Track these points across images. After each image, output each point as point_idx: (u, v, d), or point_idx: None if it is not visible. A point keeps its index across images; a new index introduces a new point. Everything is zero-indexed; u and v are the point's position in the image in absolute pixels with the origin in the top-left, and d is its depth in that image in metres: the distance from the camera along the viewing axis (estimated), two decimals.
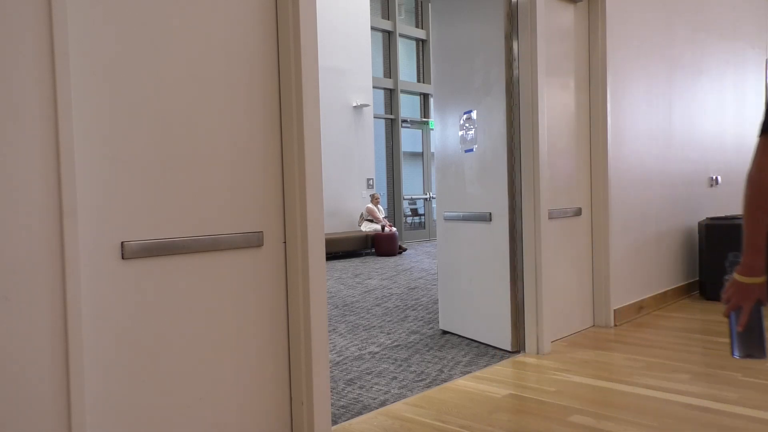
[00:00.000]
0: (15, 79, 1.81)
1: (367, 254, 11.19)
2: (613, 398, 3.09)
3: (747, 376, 3.38)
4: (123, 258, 2.07)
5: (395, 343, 4.33)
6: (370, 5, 12.62)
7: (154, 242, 2.14)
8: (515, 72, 3.99)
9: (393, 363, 3.83)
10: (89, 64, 1.99)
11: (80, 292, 1.93)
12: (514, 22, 3.97)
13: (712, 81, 6.19)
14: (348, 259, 10.41)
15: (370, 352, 4.11)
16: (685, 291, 5.77)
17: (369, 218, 11.53)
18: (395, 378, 3.51)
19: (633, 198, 4.97)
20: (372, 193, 12.16)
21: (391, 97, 13.67)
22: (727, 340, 4.17)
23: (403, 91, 13.87)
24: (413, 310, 5.60)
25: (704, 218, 5.89)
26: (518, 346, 4.01)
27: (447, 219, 4.53)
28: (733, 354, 1.49)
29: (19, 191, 1.82)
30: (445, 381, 3.43)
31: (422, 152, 14.68)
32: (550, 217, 4.12)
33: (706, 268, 5.63)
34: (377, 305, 5.88)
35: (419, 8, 14.52)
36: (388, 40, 13.66)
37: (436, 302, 5.81)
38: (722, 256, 5.60)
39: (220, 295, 2.35)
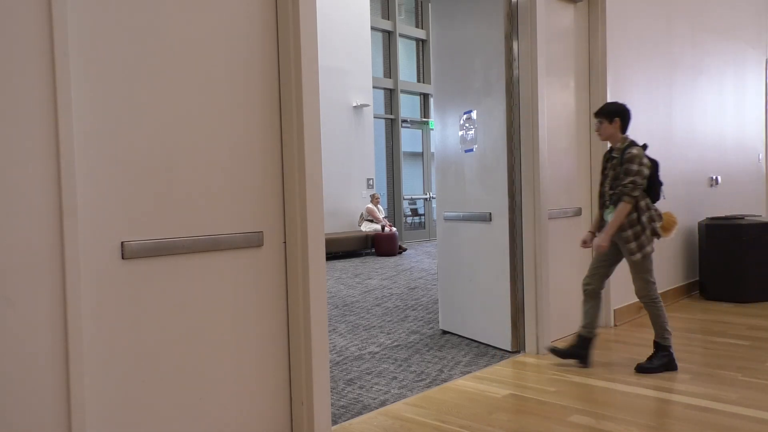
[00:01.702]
0: (15, 79, 1.81)
1: (367, 254, 11.19)
2: (613, 398, 3.09)
3: (747, 376, 3.38)
4: (123, 258, 2.06)
5: (395, 343, 4.33)
6: (370, 5, 12.62)
7: (154, 242, 2.14)
8: (515, 72, 3.99)
9: (393, 363, 3.82)
10: (89, 64, 1.99)
11: (80, 292, 1.93)
12: (514, 22, 3.97)
13: (712, 81, 6.19)
14: (348, 259, 10.40)
15: (370, 352, 4.11)
16: (685, 291, 5.77)
17: (369, 218, 11.52)
18: (395, 378, 3.51)
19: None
20: (372, 193, 12.15)
21: (391, 97, 13.66)
22: (726, 340, 4.17)
23: (403, 91, 13.87)
24: (413, 310, 5.60)
25: (704, 218, 5.89)
26: (518, 346, 4.01)
27: (447, 219, 4.53)
28: None
29: (19, 191, 1.82)
30: (445, 381, 3.43)
31: (422, 152, 14.67)
32: (550, 217, 4.12)
33: (706, 268, 5.63)
34: (377, 305, 5.88)
35: (419, 8, 14.52)
36: (388, 40, 13.66)
37: (436, 302, 5.81)
38: (722, 256, 5.44)
39: (220, 295, 2.35)
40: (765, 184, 7.62)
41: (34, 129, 1.84)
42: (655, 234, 3.50)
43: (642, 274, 3.54)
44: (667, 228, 3.56)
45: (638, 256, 3.46)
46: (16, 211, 1.81)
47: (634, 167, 3.42)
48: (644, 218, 3.47)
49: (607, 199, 3.58)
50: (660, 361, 3.53)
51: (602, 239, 3.48)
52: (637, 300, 4.93)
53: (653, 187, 3.52)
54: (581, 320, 3.68)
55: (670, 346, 3.57)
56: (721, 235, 5.48)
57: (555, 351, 3.67)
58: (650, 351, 3.92)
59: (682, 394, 3.11)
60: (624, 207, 3.43)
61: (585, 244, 3.72)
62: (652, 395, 3.10)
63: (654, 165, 3.53)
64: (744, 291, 5.40)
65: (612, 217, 3.48)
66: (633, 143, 3.53)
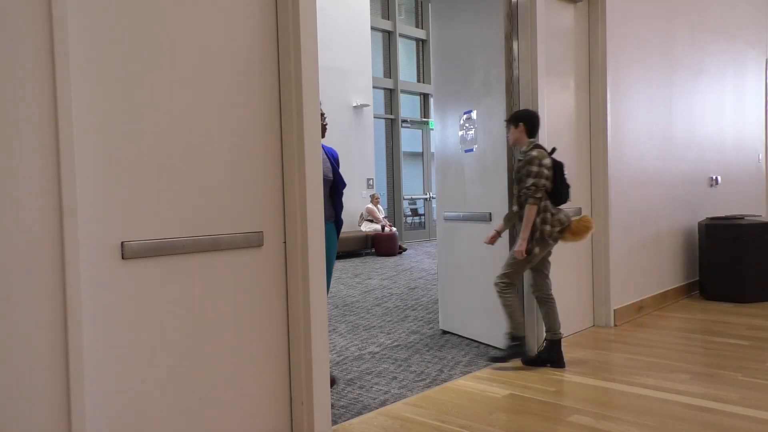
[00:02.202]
0: (15, 79, 1.81)
1: (367, 254, 11.19)
2: (613, 398, 3.09)
3: (747, 376, 3.38)
4: (123, 258, 2.06)
5: (395, 343, 4.33)
6: (370, 5, 12.61)
7: (154, 242, 2.14)
8: (515, 72, 3.99)
9: (393, 363, 3.82)
10: (89, 64, 1.99)
11: (80, 292, 1.93)
12: (514, 23, 3.97)
13: (712, 81, 6.19)
14: (348, 259, 10.40)
15: (370, 352, 4.11)
16: (685, 291, 5.77)
17: (369, 218, 11.52)
18: (395, 378, 3.51)
19: (633, 198, 4.97)
20: (372, 193, 12.15)
21: (391, 97, 13.66)
22: (726, 340, 4.17)
23: (403, 91, 13.86)
24: (413, 310, 5.60)
25: (704, 218, 5.90)
26: None
27: (447, 219, 4.53)
28: None
29: (19, 191, 1.82)
30: (445, 381, 3.43)
31: (422, 152, 14.67)
32: None
33: (706, 268, 5.63)
34: (377, 305, 5.88)
35: (419, 8, 14.52)
36: (388, 40, 13.66)
37: (436, 302, 5.81)
38: (722, 256, 5.46)
39: (220, 295, 2.35)
40: (765, 184, 7.62)
41: (34, 129, 1.84)
42: (543, 237, 3.53)
43: (509, 269, 3.59)
44: (576, 232, 3.58)
45: (530, 259, 3.53)
46: (16, 211, 1.81)
47: (534, 168, 3.48)
48: (538, 220, 3.52)
49: (515, 203, 3.66)
50: (511, 350, 3.62)
51: (519, 245, 3.53)
52: (637, 300, 4.96)
53: (557, 189, 3.56)
54: (544, 326, 3.71)
55: (522, 336, 3.64)
56: (721, 235, 5.48)
57: (529, 362, 3.69)
58: (650, 351, 3.94)
59: (682, 394, 3.11)
60: (530, 209, 3.50)
61: (490, 240, 3.77)
62: (652, 395, 3.10)
63: (558, 167, 3.56)
64: (744, 291, 5.39)
65: (524, 221, 3.54)
66: (536, 146, 3.59)
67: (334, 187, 3.32)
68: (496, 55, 4.02)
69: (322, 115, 3.13)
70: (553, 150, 3.63)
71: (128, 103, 2.08)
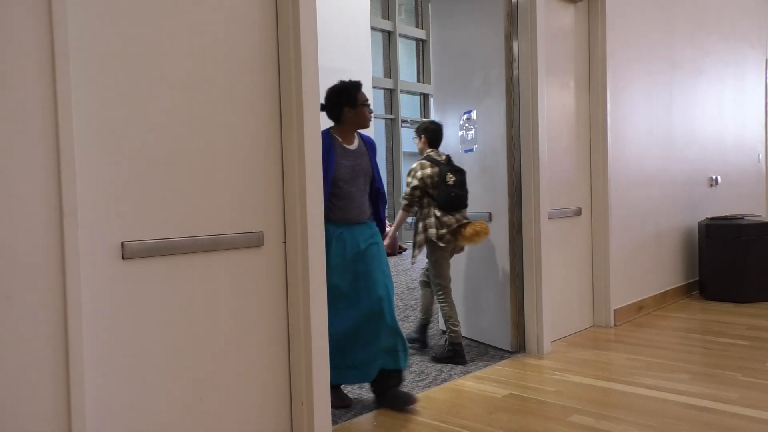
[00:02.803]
0: (15, 79, 1.81)
1: None
2: (613, 398, 3.09)
3: (747, 376, 3.38)
4: (123, 258, 2.06)
5: None
6: (370, 5, 12.61)
7: (154, 242, 2.14)
8: (515, 72, 3.99)
9: None
10: (89, 64, 1.99)
11: (80, 292, 1.93)
12: (514, 22, 3.97)
13: (712, 81, 6.19)
14: None
15: None
16: (685, 291, 5.77)
17: None
18: None
19: (633, 198, 4.97)
20: None
21: (391, 97, 13.66)
22: (726, 340, 4.17)
23: (403, 91, 13.86)
24: (413, 310, 5.59)
25: (704, 218, 5.90)
26: (518, 346, 4.01)
27: None
28: None
29: (20, 191, 1.82)
30: (445, 381, 3.43)
31: None
32: (550, 217, 4.12)
33: (706, 268, 5.63)
34: None
35: (419, 8, 14.52)
36: (388, 40, 13.66)
37: (436, 302, 5.80)
38: (722, 256, 5.51)
39: (220, 295, 2.35)
40: (765, 184, 7.62)
41: (34, 129, 1.84)
42: (430, 240, 3.73)
43: (430, 272, 3.90)
44: (467, 236, 3.72)
45: (413, 260, 3.81)
46: (16, 211, 1.81)
47: (408, 179, 3.82)
48: (420, 225, 3.81)
49: None
50: (449, 353, 3.80)
51: (385, 242, 3.67)
52: (637, 300, 4.97)
53: (438, 196, 3.72)
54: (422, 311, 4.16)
55: (459, 343, 3.78)
56: (721, 235, 5.48)
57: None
58: (650, 351, 3.94)
59: (682, 394, 3.11)
60: (399, 214, 3.88)
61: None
62: (652, 395, 3.10)
63: (440, 175, 3.70)
64: (744, 291, 5.40)
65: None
66: (425, 158, 3.83)
67: (374, 181, 3.14)
68: (496, 55, 4.02)
69: (366, 100, 3.14)
70: (448, 158, 3.84)
71: (128, 103, 2.08)
